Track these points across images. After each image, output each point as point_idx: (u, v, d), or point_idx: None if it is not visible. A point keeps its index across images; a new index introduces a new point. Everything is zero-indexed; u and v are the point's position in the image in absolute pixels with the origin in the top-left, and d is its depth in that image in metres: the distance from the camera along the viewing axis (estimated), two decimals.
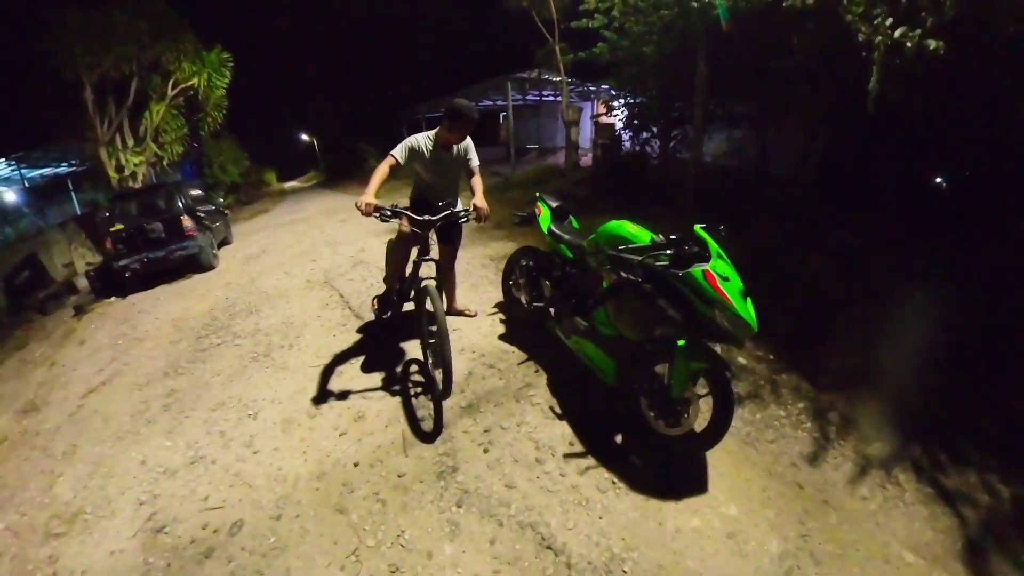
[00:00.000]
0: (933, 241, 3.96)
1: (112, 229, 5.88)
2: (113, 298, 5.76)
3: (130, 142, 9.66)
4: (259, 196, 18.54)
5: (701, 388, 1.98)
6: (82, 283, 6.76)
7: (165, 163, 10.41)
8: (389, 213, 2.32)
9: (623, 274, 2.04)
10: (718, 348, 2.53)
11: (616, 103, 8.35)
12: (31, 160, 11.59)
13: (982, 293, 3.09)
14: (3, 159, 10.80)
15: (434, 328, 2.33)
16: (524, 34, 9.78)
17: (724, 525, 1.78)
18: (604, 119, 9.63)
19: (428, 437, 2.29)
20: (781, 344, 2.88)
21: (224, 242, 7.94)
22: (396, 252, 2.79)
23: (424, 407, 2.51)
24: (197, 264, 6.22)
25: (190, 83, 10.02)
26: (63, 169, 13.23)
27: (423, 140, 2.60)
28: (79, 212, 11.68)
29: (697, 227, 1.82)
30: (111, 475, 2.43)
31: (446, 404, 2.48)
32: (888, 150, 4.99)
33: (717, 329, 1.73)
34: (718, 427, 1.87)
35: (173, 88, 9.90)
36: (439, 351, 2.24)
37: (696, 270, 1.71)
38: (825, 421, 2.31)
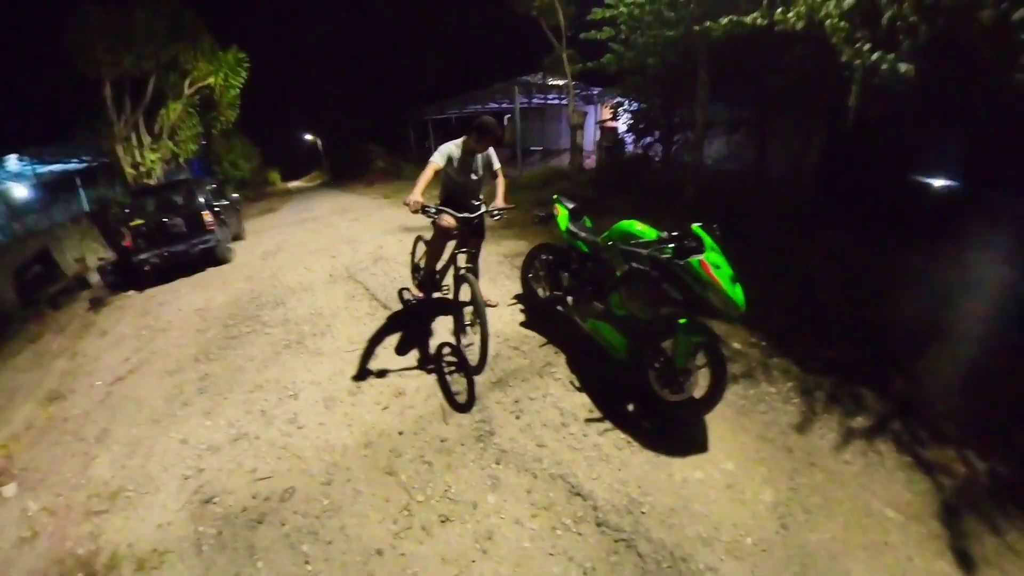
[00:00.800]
0: (924, 241, 4.20)
1: (132, 224, 5.97)
2: (131, 292, 5.83)
3: (146, 139, 9.82)
4: (264, 195, 18.60)
5: (699, 362, 2.27)
6: (94, 278, 6.85)
7: (181, 160, 10.62)
8: (433, 211, 2.62)
9: (633, 264, 2.39)
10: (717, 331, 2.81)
11: (621, 108, 8.64)
12: (44, 156, 11.70)
13: (965, 288, 3.34)
14: (15, 155, 10.91)
15: (474, 309, 2.62)
16: (532, 39, 10.00)
17: (724, 478, 2.06)
18: (609, 123, 9.95)
19: (464, 408, 2.56)
20: (773, 332, 3.16)
21: (236, 237, 8.05)
22: (434, 245, 3.09)
23: (458, 383, 2.78)
24: (214, 258, 6.38)
25: (206, 82, 10.18)
26: (72, 165, 13.34)
27: (454, 148, 2.91)
28: (86, 208, 11.78)
29: (695, 226, 2.16)
30: (151, 455, 2.47)
31: (478, 380, 2.74)
32: (883, 154, 5.22)
33: (711, 308, 2.07)
34: (715, 393, 2.18)
35: (190, 87, 10.07)
36: (479, 329, 2.51)
37: (694, 260, 2.05)
38: (812, 398, 2.58)
